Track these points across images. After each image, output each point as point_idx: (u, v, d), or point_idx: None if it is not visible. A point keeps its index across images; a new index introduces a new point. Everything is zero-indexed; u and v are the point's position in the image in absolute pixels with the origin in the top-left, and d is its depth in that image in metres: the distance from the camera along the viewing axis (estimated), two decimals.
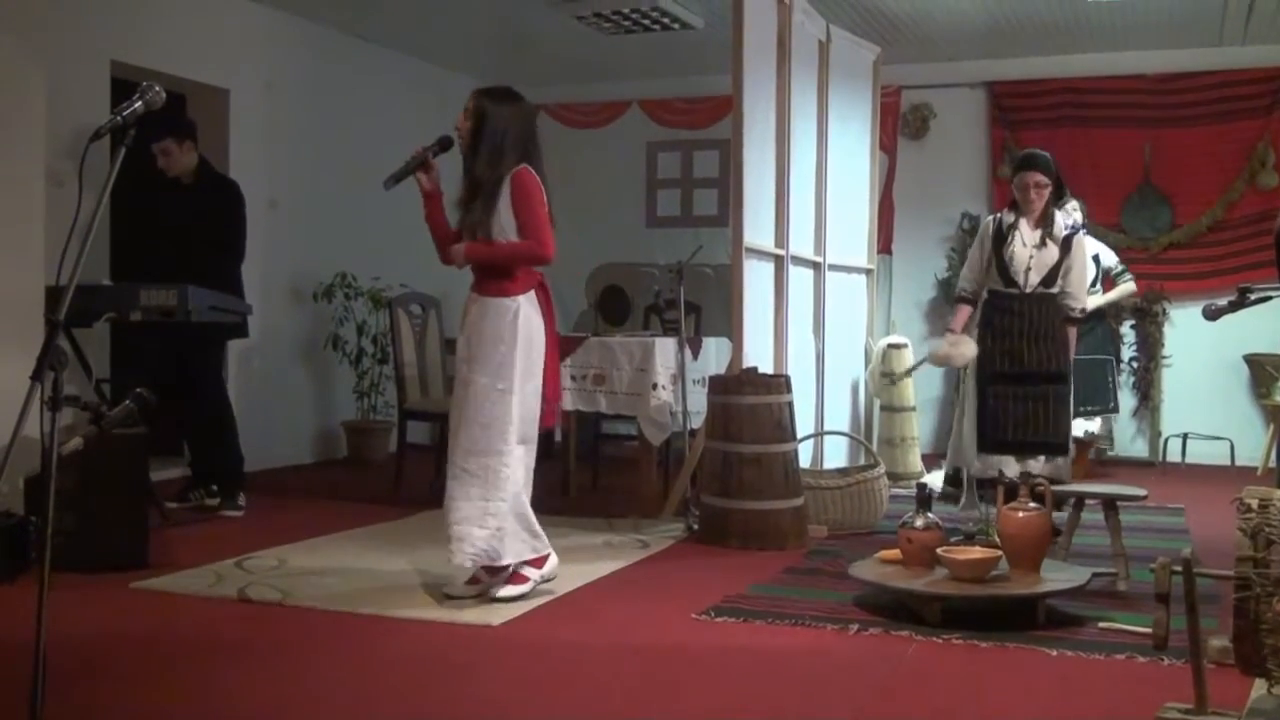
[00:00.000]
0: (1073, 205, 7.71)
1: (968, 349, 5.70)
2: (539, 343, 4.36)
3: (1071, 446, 5.73)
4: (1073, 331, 5.72)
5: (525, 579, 4.34)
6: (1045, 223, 5.62)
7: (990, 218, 5.87)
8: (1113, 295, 7.81)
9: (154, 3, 7.01)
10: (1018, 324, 5.62)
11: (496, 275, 4.34)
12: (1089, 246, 7.74)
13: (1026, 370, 5.57)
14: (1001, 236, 5.67)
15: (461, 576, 4.41)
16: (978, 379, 5.71)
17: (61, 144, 5.87)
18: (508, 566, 4.33)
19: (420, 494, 6.61)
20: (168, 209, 6.08)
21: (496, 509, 4.25)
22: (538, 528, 4.35)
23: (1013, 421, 5.58)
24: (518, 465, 4.31)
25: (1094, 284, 7.69)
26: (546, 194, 4.38)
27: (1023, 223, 5.64)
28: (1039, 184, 5.57)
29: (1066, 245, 5.63)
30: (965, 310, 5.85)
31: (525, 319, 4.31)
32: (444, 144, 4.42)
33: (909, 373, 7.48)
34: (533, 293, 4.37)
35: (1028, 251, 5.61)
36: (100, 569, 4.60)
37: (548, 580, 4.43)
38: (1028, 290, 5.61)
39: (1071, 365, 5.69)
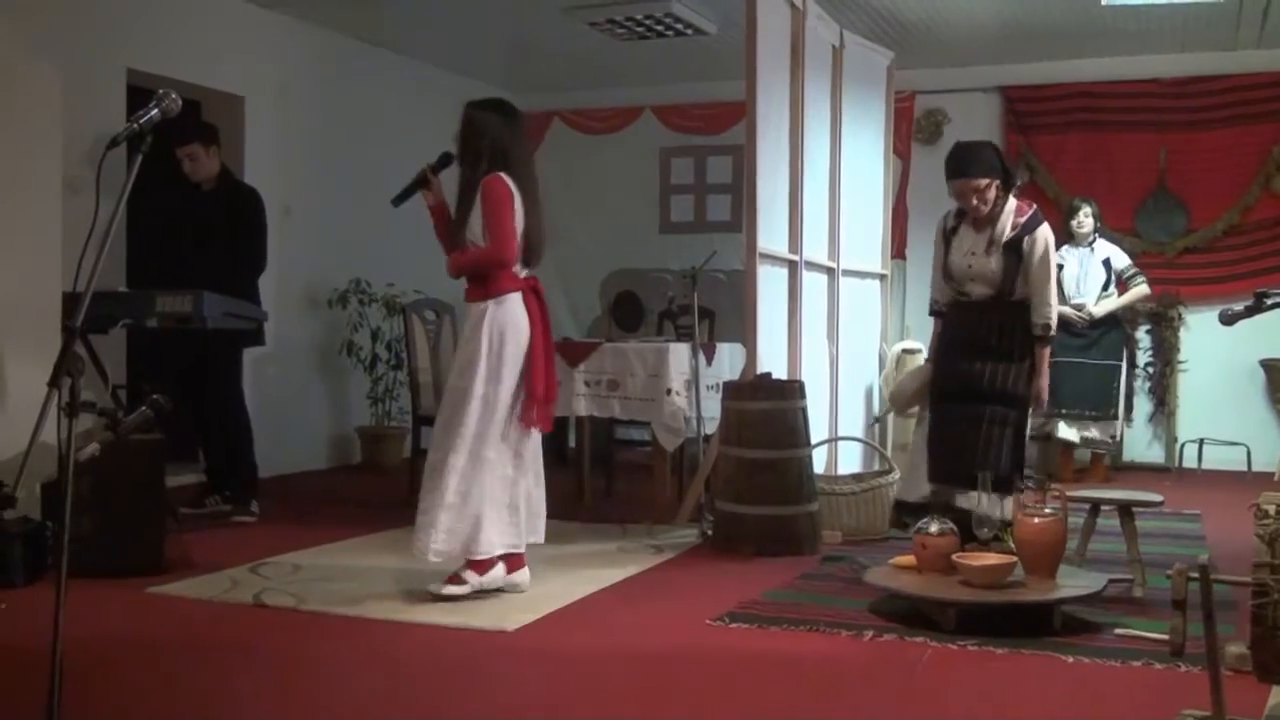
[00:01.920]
0: (1086, 212, 7.69)
1: (904, 384, 5.33)
2: (514, 345, 4.40)
3: (1021, 483, 4.82)
4: (1044, 352, 4.87)
5: (464, 581, 4.37)
6: (989, 225, 4.87)
7: (942, 216, 5.17)
8: (1125, 299, 7.77)
9: (170, 11, 7.04)
10: (962, 336, 4.96)
11: (475, 280, 4.46)
12: (1100, 249, 7.72)
13: (970, 388, 4.87)
14: (946, 240, 5.03)
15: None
16: (930, 401, 5.10)
17: (79, 151, 5.89)
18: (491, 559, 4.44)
19: None
20: (188, 214, 6.10)
21: (449, 502, 4.34)
22: (492, 532, 4.37)
23: (947, 447, 4.92)
24: (476, 464, 4.35)
25: (1106, 287, 7.67)
26: (530, 199, 4.46)
27: (964, 225, 4.96)
28: (977, 188, 4.82)
29: (1013, 249, 4.82)
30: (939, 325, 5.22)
31: (493, 320, 4.38)
32: (445, 160, 4.54)
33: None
34: (515, 295, 4.44)
35: (965, 260, 4.91)
36: (116, 574, 4.62)
37: (494, 589, 4.43)
38: (975, 299, 4.93)
39: (1033, 387, 4.84)
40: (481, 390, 4.36)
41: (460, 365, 4.43)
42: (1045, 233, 4.86)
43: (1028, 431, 4.97)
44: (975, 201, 4.85)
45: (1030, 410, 4.91)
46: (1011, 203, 4.90)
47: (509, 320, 4.40)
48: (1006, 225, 4.85)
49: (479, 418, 4.36)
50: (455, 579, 4.38)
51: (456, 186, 4.49)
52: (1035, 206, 4.94)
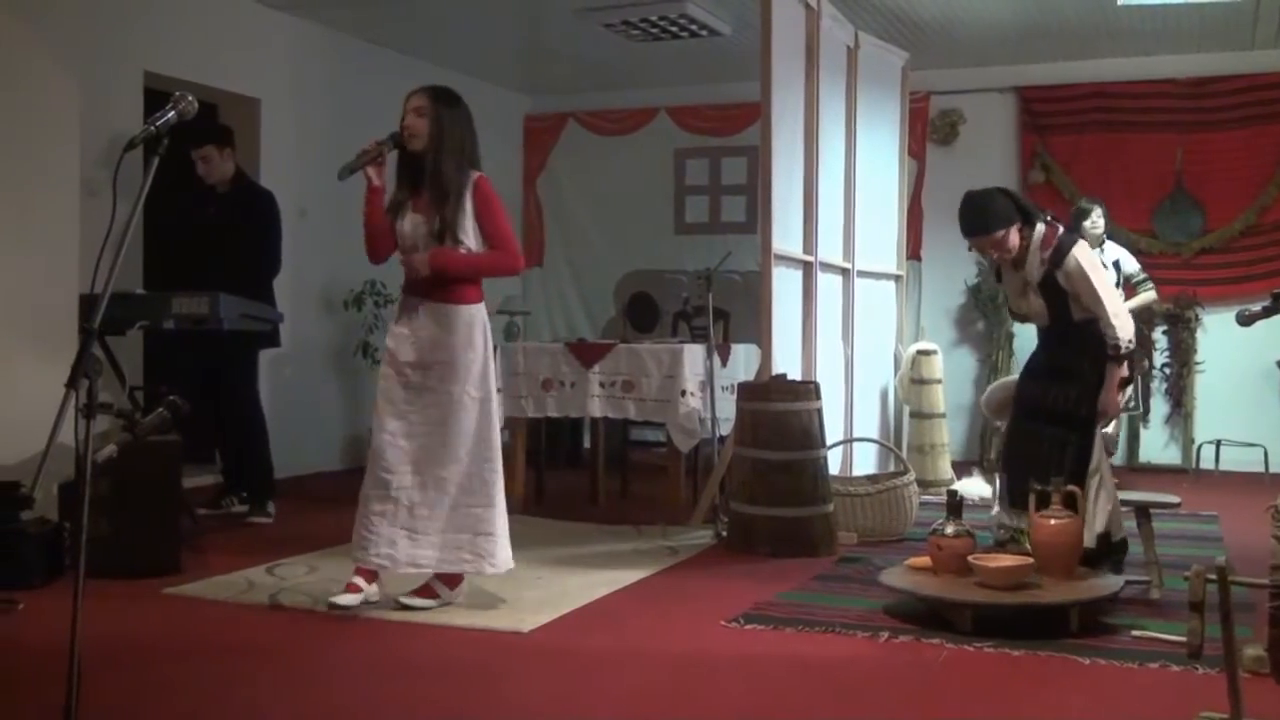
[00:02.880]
0: (1099, 213, 7.63)
1: (994, 393, 5.20)
2: (490, 349, 4.38)
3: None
4: (1115, 370, 4.59)
5: (437, 595, 4.30)
6: (1023, 266, 4.73)
7: None
8: (1131, 304, 7.69)
9: (186, 14, 7.07)
10: (1038, 359, 4.89)
11: (458, 282, 4.28)
12: (1110, 251, 7.68)
13: (1040, 408, 4.76)
14: (999, 278, 5.02)
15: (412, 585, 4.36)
16: (1012, 413, 4.97)
17: (96, 153, 5.92)
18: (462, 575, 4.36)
19: None
20: (203, 217, 6.12)
21: (494, 515, 4.28)
22: None
23: (1015, 464, 4.83)
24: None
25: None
26: None
27: (1004, 267, 4.87)
28: (994, 242, 4.69)
29: (1049, 286, 4.66)
30: None
31: (487, 325, 4.34)
32: (396, 140, 4.28)
33: None
34: None
35: (1015, 301, 4.90)
36: (133, 575, 4.64)
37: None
38: (1042, 327, 4.86)
39: (1099, 402, 4.64)
40: (495, 394, 4.35)
41: (471, 372, 4.25)
42: (1077, 253, 4.61)
43: (1094, 450, 4.69)
44: (996, 254, 4.74)
45: (1097, 426, 4.69)
46: (1038, 235, 4.68)
47: (488, 325, 4.36)
48: (1035, 264, 4.67)
49: (495, 425, 4.36)
50: (429, 592, 4.30)
51: (403, 178, 4.32)
52: (1060, 231, 4.70)
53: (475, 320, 4.29)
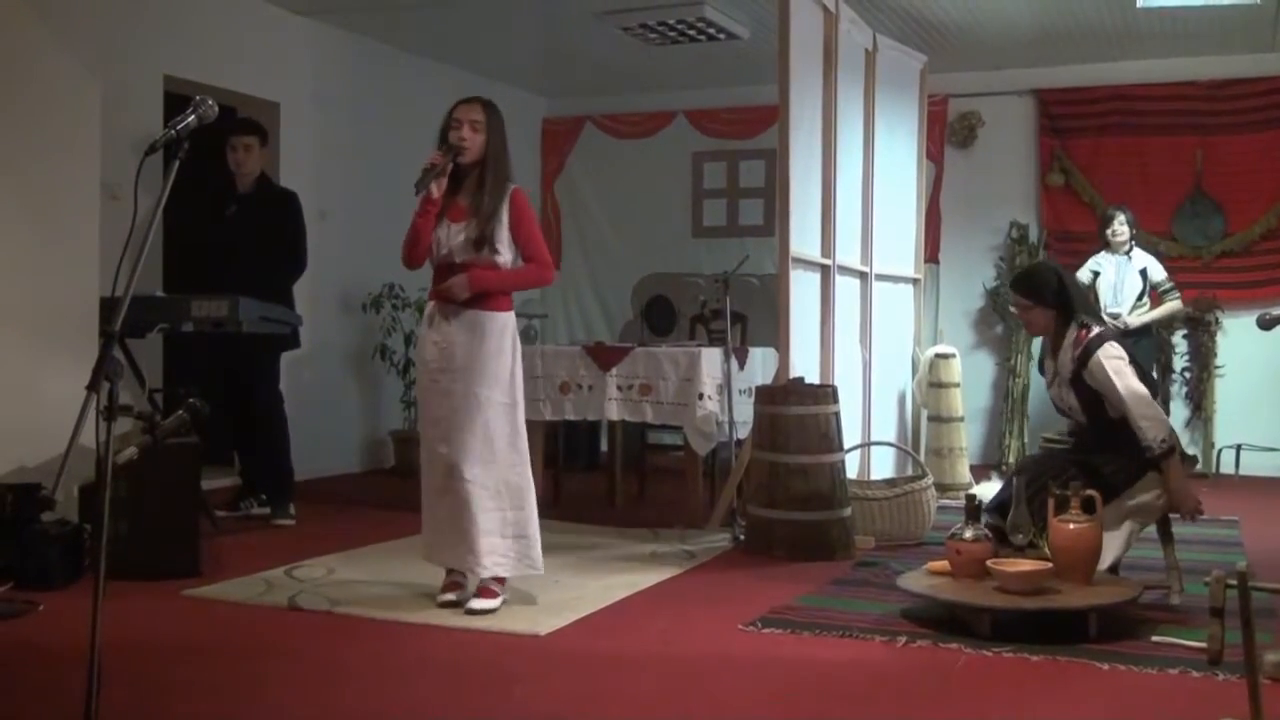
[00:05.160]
0: (1121, 220, 7.61)
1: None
2: None
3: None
4: (1170, 464, 4.36)
5: (496, 594, 4.34)
6: (1058, 356, 4.63)
7: None
8: (1157, 313, 7.69)
9: (206, 18, 7.11)
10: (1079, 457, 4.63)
11: (496, 293, 4.38)
12: (1137, 259, 7.65)
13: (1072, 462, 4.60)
14: (1041, 369, 4.91)
15: (471, 587, 4.41)
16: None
17: (116, 157, 5.95)
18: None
19: None
20: (226, 218, 6.14)
21: (526, 518, 4.36)
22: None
23: (1043, 464, 4.71)
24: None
25: (1141, 298, 7.61)
26: None
27: (1048, 359, 4.76)
28: (1018, 304, 4.70)
29: (1080, 383, 4.52)
30: None
31: (516, 333, 4.40)
32: (456, 152, 4.29)
33: None
34: None
35: (1053, 390, 4.74)
36: (153, 576, 4.65)
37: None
38: (1083, 427, 4.69)
39: (1177, 502, 4.42)
40: (521, 401, 4.40)
41: (502, 379, 4.32)
42: (1104, 353, 4.45)
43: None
44: (1023, 318, 4.81)
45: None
46: (1070, 334, 4.57)
47: (517, 333, 4.43)
48: (1067, 361, 4.56)
49: (523, 431, 4.41)
50: (489, 593, 4.33)
51: (461, 193, 4.33)
52: (1093, 331, 4.53)
53: (506, 328, 4.36)
